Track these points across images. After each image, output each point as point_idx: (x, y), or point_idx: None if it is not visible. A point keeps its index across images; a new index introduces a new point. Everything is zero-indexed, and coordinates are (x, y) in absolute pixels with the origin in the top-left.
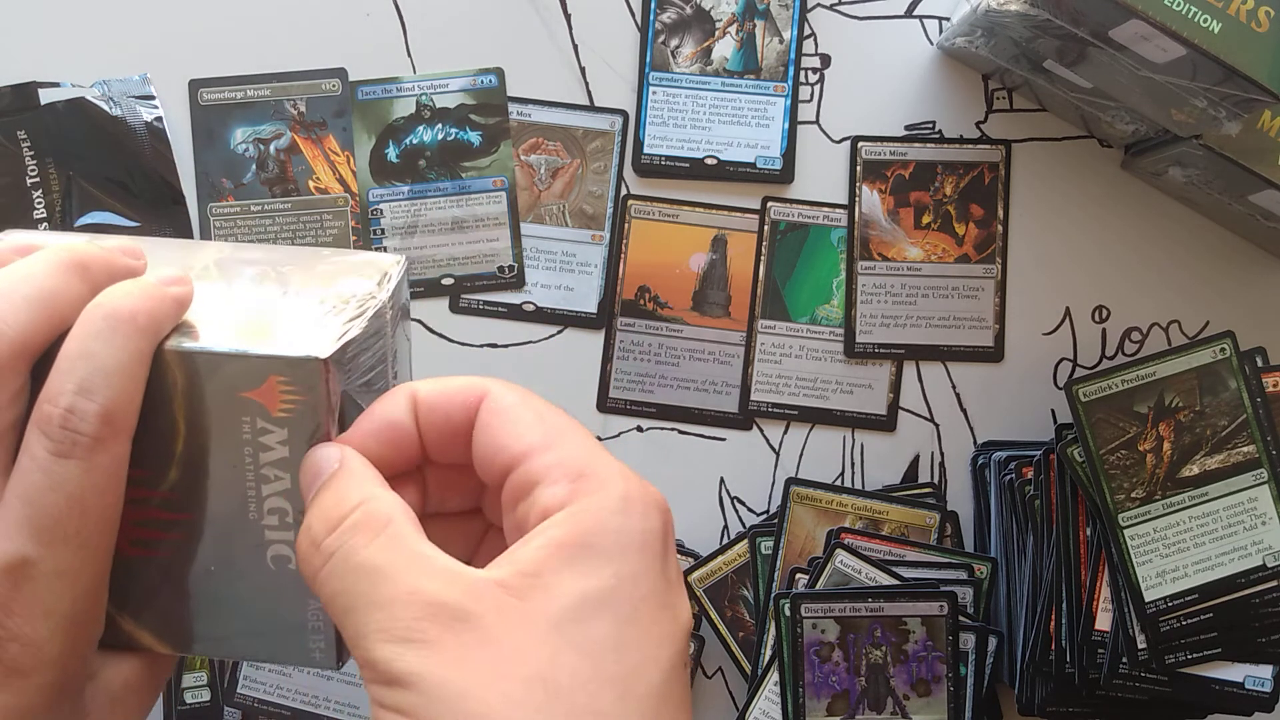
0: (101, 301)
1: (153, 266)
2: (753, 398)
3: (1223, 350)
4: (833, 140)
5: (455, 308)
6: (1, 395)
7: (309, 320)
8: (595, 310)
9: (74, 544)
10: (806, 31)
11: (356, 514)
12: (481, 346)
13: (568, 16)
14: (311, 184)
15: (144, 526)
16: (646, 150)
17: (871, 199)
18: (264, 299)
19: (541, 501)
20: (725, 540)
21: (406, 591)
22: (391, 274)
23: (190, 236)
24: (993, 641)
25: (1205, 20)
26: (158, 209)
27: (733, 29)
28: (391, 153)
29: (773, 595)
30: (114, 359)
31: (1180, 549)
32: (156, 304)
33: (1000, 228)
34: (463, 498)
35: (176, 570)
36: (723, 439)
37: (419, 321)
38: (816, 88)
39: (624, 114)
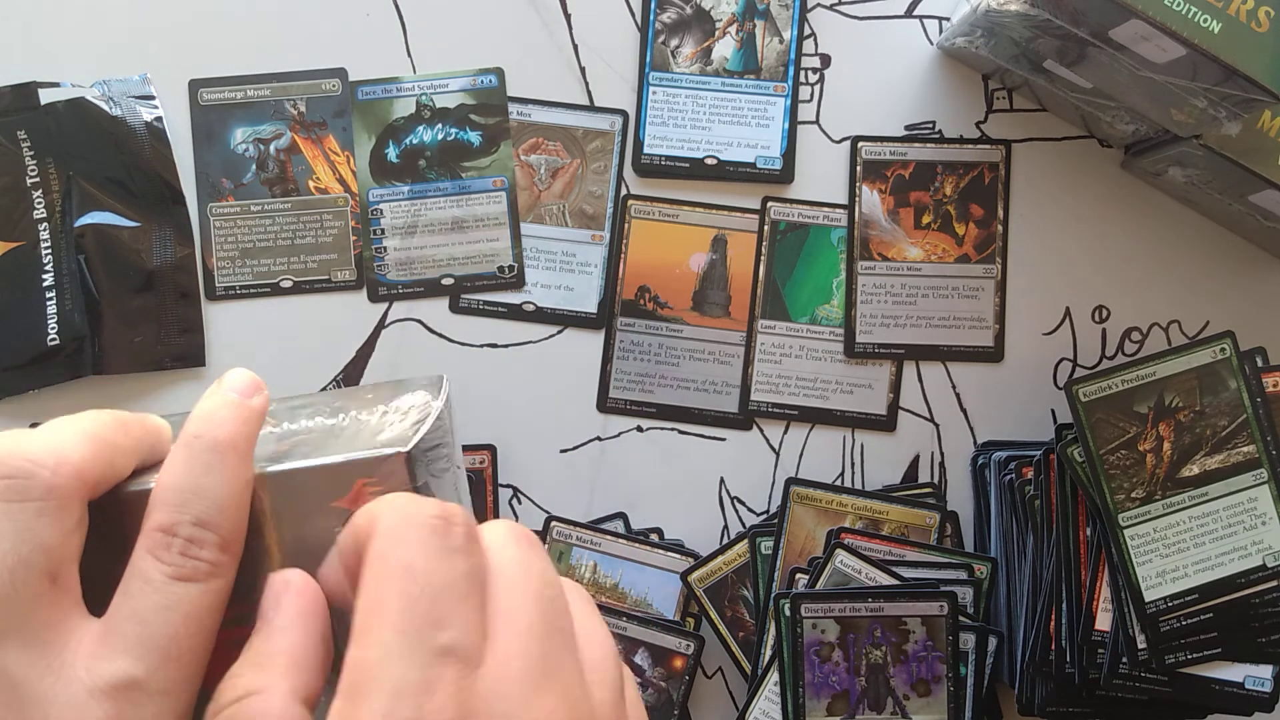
0: (200, 432)
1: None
2: (753, 398)
3: (1223, 350)
4: (833, 140)
5: (455, 308)
6: (66, 521)
7: (382, 429)
8: (595, 310)
9: (182, 663)
10: (806, 31)
11: (230, 709)
12: (481, 346)
13: (568, 16)
14: (311, 184)
15: (234, 646)
16: (646, 150)
17: (871, 199)
18: (331, 424)
19: None
20: (725, 540)
21: None
22: (442, 388)
23: (190, 236)
24: (993, 641)
25: (1205, 20)
26: (158, 209)
27: (733, 29)
28: (391, 153)
29: (773, 595)
30: (225, 491)
31: (1180, 549)
32: (249, 425)
33: (1000, 228)
34: None
35: None
36: (723, 439)
37: (419, 321)
38: (816, 88)
39: (624, 114)
